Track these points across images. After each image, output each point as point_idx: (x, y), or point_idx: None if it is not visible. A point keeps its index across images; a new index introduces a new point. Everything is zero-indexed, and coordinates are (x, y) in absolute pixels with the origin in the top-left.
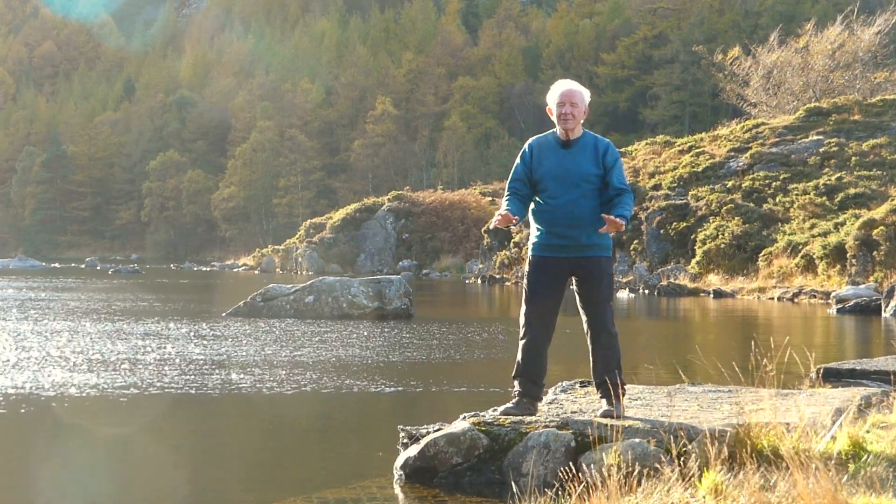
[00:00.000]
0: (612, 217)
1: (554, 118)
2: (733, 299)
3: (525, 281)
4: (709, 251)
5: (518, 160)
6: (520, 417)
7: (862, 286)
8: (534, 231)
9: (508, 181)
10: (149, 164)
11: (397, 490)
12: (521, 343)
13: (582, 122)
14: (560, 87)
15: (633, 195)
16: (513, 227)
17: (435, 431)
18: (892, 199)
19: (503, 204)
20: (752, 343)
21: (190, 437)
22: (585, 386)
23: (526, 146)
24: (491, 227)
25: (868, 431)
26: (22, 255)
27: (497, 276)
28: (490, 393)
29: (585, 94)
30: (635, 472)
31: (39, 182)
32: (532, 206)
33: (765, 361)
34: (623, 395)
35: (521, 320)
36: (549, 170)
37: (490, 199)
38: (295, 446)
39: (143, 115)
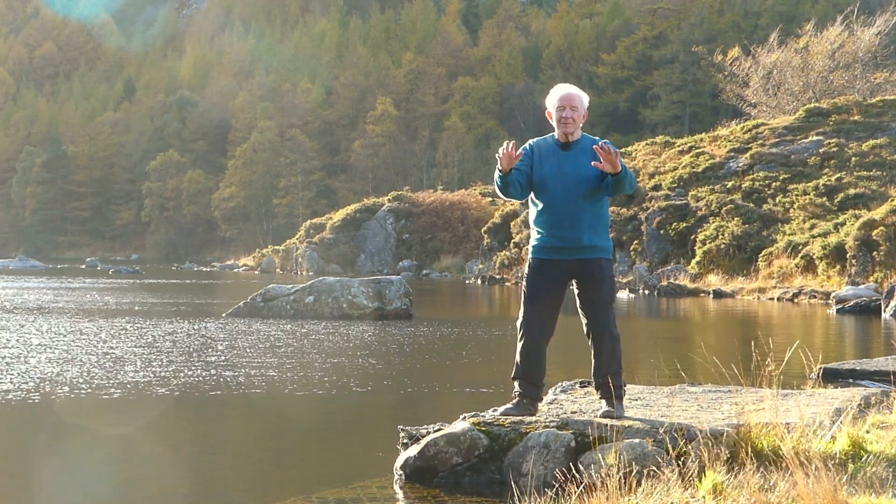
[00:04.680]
0: (607, 146)
1: (553, 122)
2: (733, 300)
3: (524, 283)
4: (709, 251)
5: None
6: (520, 418)
7: (862, 286)
8: (534, 233)
9: None
10: (149, 165)
11: (397, 490)
12: (520, 345)
13: (581, 125)
14: (559, 91)
15: (633, 173)
16: (513, 223)
17: (435, 431)
18: (892, 200)
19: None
20: (752, 343)
21: (190, 437)
22: (585, 386)
23: (527, 145)
24: (500, 155)
25: (868, 431)
26: (22, 256)
27: (497, 277)
28: (490, 393)
29: (584, 98)
30: (635, 473)
31: (40, 182)
32: (532, 208)
33: (767, 361)
34: (623, 396)
35: (520, 322)
36: (549, 172)
37: (490, 199)
38: (295, 446)
39: (144, 115)
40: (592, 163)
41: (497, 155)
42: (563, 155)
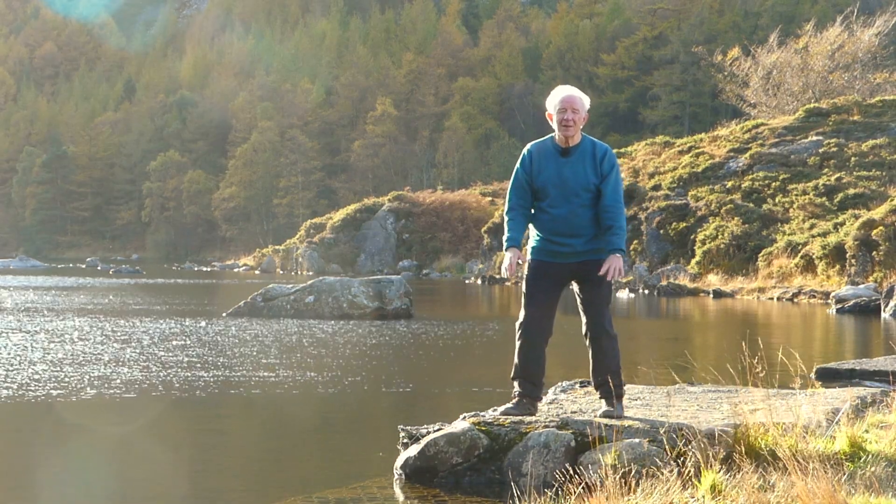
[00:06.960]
0: (607, 268)
1: (554, 124)
2: (733, 299)
3: (524, 283)
4: (708, 251)
5: (518, 166)
6: (520, 417)
7: (861, 286)
8: (533, 235)
9: (510, 189)
10: (149, 165)
11: (397, 490)
12: (519, 344)
13: (581, 127)
14: (561, 93)
15: (623, 207)
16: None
17: (435, 431)
18: (892, 200)
19: (506, 228)
20: (752, 343)
21: (190, 437)
22: (585, 386)
23: (525, 151)
24: (505, 275)
25: (867, 431)
26: (23, 256)
27: (497, 277)
28: (490, 393)
29: (586, 101)
30: (634, 473)
31: (40, 182)
32: (532, 211)
33: (757, 359)
34: (622, 395)
35: (519, 322)
36: (549, 179)
37: (490, 199)
38: (295, 446)
39: (144, 115)
40: (599, 273)
41: (506, 268)
42: (563, 161)
